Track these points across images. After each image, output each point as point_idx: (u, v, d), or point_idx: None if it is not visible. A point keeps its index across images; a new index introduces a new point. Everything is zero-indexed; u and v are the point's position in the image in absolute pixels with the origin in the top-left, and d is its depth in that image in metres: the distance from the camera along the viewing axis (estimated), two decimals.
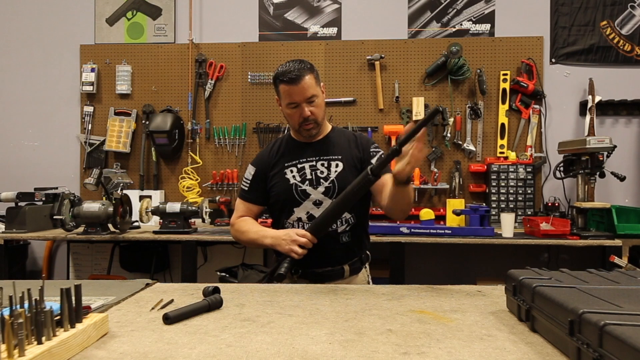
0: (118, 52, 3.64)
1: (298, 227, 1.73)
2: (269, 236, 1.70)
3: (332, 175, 1.75)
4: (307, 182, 1.75)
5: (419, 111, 3.38)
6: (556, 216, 2.88)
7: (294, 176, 1.77)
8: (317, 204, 1.73)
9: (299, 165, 1.78)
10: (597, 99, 3.24)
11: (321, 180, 1.74)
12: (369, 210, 1.90)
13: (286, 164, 1.79)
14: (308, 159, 1.79)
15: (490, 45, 3.41)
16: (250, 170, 1.85)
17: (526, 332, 1.03)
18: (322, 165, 1.77)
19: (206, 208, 2.96)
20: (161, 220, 2.89)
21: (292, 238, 1.59)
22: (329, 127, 1.87)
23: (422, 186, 3.29)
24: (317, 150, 1.80)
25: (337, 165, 1.77)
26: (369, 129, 3.43)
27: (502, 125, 3.36)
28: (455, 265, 3.39)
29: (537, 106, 3.35)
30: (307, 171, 1.77)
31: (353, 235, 1.77)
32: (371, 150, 1.81)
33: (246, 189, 1.86)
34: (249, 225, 1.80)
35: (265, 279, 1.66)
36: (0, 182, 3.57)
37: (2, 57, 3.73)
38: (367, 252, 1.87)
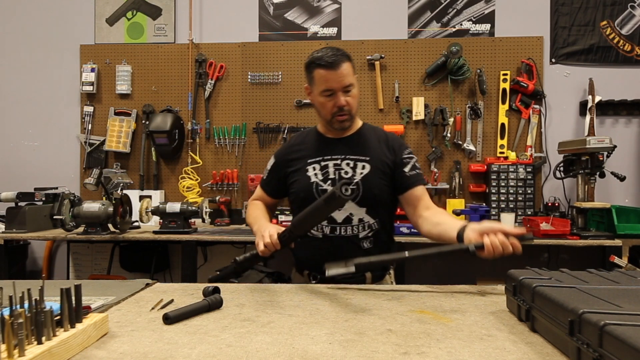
0: (118, 52, 3.64)
1: (317, 230, 1.65)
2: (258, 224, 1.64)
3: (357, 177, 1.64)
4: (329, 181, 1.65)
5: (418, 111, 3.38)
6: (556, 216, 2.88)
7: (315, 174, 1.67)
8: None
9: (323, 163, 1.68)
10: (597, 99, 3.24)
11: None
12: (394, 216, 1.79)
13: (309, 161, 1.70)
14: (333, 157, 1.68)
15: (490, 45, 3.41)
16: (270, 161, 1.80)
17: (526, 332, 1.02)
18: (348, 165, 1.66)
19: (206, 208, 2.96)
20: (161, 220, 2.89)
21: (263, 233, 1.50)
22: (359, 123, 1.76)
23: None
24: (344, 148, 1.69)
25: (363, 167, 1.66)
26: None
27: (502, 125, 3.36)
28: (455, 265, 3.39)
29: (537, 106, 3.35)
30: (331, 170, 1.66)
31: (376, 242, 1.67)
32: (404, 156, 1.70)
33: (265, 178, 1.82)
34: (253, 210, 1.78)
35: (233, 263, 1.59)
36: (0, 182, 3.58)
37: (2, 57, 3.73)
38: None
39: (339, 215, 1.64)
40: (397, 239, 2.67)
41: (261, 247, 1.48)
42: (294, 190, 1.72)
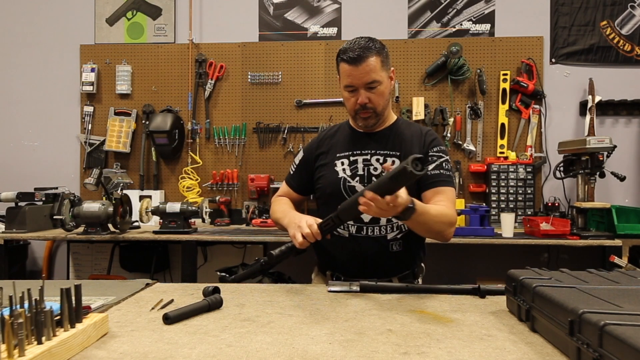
0: (118, 52, 3.64)
1: (343, 228, 1.59)
2: (289, 217, 1.54)
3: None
4: (357, 177, 1.58)
5: (418, 111, 3.38)
6: (556, 216, 2.88)
7: (344, 169, 1.61)
8: None
9: (352, 158, 1.61)
10: (597, 99, 3.24)
11: (373, 178, 1.55)
12: None
13: (338, 155, 1.63)
14: (363, 152, 1.61)
15: (490, 45, 3.40)
16: (299, 155, 1.74)
17: (526, 332, 1.03)
18: (377, 160, 1.59)
19: (206, 208, 2.96)
20: (161, 220, 2.89)
21: (299, 224, 1.41)
22: (393, 118, 1.68)
23: None
24: (374, 143, 1.62)
25: (393, 163, 1.57)
26: None
27: (502, 125, 3.36)
28: (455, 265, 3.39)
29: (537, 106, 3.35)
30: (360, 166, 1.60)
31: (406, 245, 1.60)
32: (431, 153, 1.60)
33: (292, 173, 1.76)
34: (279, 205, 1.70)
35: (260, 261, 1.51)
36: (0, 182, 3.57)
37: (2, 57, 3.73)
38: (422, 265, 1.72)
39: (365, 214, 1.56)
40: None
41: (299, 238, 1.38)
42: (320, 185, 1.65)
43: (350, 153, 1.63)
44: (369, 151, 1.61)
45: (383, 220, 1.57)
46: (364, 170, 1.59)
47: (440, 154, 1.61)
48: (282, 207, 1.68)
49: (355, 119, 1.62)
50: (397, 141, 1.61)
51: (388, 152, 1.60)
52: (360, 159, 1.61)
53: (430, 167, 1.57)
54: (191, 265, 2.82)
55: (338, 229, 1.58)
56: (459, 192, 3.34)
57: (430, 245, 2.76)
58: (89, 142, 3.62)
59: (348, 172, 1.60)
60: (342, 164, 1.62)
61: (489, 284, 1.41)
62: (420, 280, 1.71)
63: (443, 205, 1.53)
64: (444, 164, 1.60)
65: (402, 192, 1.26)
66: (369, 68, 1.51)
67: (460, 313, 1.17)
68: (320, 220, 1.41)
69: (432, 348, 0.92)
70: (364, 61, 1.51)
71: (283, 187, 1.80)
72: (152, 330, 1.04)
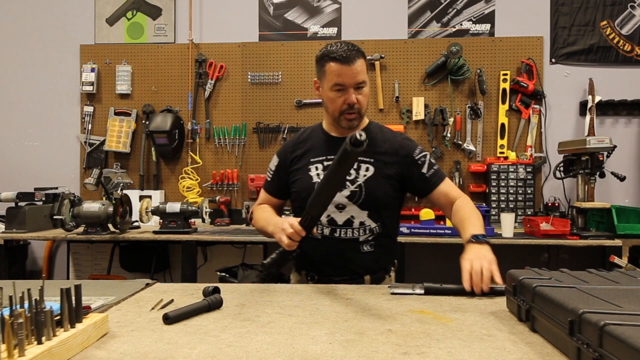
0: (118, 52, 3.64)
1: (317, 230, 1.59)
2: (272, 223, 1.55)
3: (360, 180, 1.59)
4: None
5: (418, 111, 3.38)
6: (556, 216, 2.88)
7: (318, 174, 1.62)
8: (340, 207, 1.59)
9: (326, 163, 1.62)
10: (597, 99, 3.24)
11: (347, 183, 1.57)
12: (399, 218, 1.76)
13: (312, 160, 1.65)
14: None
15: (490, 45, 3.40)
16: (274, 161, 1.75)
17: (526, 332, 1.02)
18: None
19: (206, 208, 2.96)
20: (161, 220, 2.89)
21: (282, 227, 1.42)
22: (365, 122, 1.72)
23: None
24: None
25: (367, 169, 1.60)
26: None
27: (502, 125, 3.36)
28: (455, 265, 3.38)
29: (537, 106, 3.35)
30: None
31: (377, 245, 1.63)
32: (417, 157, 1.64)
33: (269, 179, 1.76)
34: (261, 213, 1.71)
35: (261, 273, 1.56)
36: (0, 182, 3.57)
37: (2, 57, 3.73)
38: (395, 261, 1.75)
39: (339, 217, 1.61)
40: (397, 238, 2.69)
41: (285, 240, 1.39)
42: (295, 189, 1.67)
43: (324, 158, 1.64)
44: None
45: (356, 223, 1.60)
46: None
47: (423, 153, 1.67)
48: (264, 214, 1.69)
49: (339, 120, 1.62)
50: (371, 147, 1.55)
51: (362, 159, 1.60)
52: None
53: (424, 169, 1.64)
54: (191, 265, 2.82)
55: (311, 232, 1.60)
56: None
57: (430, 245, 2.76)
58: (89, 142, 3.62)
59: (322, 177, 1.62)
60: (317, 168, 1.63)
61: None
62: (393, 274, 1.74)
63: (455, 194, 1.65)
64: (431, 161, 1.67)
65: (487, 257, 1.46)
66: (359, 68, 1.56)
67: (460, 313, 1.17)
68: (295, 221, 1.42)
69: (432, 348, 0.92)
70: (355, 61, 1.55)
71: (262, 194, 1.80)
72: (152, 330, 1.04)
